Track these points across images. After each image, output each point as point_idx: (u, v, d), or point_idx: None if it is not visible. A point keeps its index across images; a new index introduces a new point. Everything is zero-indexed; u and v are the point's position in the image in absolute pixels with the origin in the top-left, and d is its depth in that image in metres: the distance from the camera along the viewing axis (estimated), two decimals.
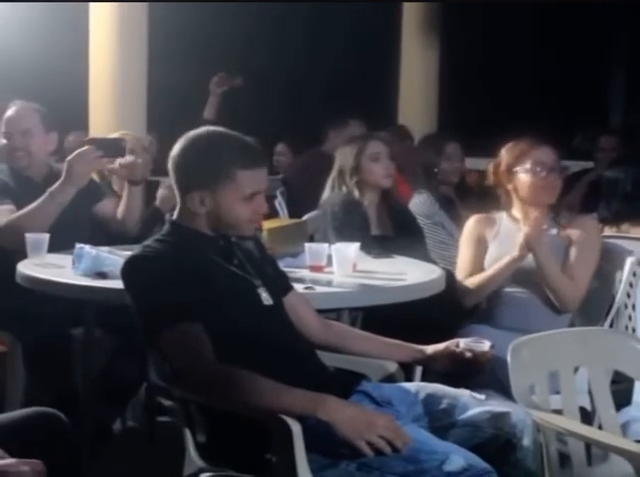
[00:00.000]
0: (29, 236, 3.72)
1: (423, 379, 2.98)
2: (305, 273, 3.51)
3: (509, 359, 2.75)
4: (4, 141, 4.20)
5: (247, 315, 2.64)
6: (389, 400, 2.67)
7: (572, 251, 3.76)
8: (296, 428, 2.38)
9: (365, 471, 2.40)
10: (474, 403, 2.64)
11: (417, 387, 2.77)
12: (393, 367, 2.92)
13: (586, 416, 3.03)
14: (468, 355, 2.81)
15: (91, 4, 6.43)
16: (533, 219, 3.69)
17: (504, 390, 2.88)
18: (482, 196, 4.33)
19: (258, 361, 2.52)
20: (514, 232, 3.80)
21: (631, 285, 3.80)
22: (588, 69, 11.47)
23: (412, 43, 9.50)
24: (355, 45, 10.77)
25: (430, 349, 2.88)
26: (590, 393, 2.93)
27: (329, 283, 3.42)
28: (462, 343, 2.84)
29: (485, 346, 2.81)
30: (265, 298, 2.72)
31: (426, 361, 2.89)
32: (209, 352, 2.50)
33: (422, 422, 2.64)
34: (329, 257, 3.58)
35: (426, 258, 4.23)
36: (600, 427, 2.83)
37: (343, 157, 4.55)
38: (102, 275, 3.34)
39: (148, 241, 2.71)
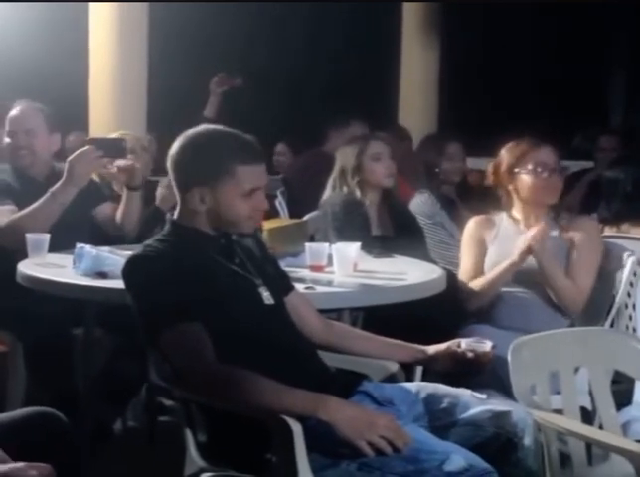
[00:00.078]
0: (29, 236, 3.72)
1: (424, 378, 2.98)
2: (306, 273, 3.51)
3: (509, 359, 2.75)
4: (8, 140, 4.21)
5: (248, 314, 2.64)
6: (390, 400, 2.67)
7: (575, 254, 3.76)
8: (297, 428, 2.38)
9: (365, 471, 2.40)
10: (475, 403, 2.64)
11: (418, 386, 2.77)
12: (394, 367, 2.91)
13: (587, 416, 3.03)
14: (470, 355, 2.81)
15: (91, 4, 6.44)
16: (539, 228, 3.67)
17: (505, 389, 2.88)
18: (483, 196, 4.32)
19: (259, 361, 2.52)
20: (513, 233, 3.80)
21: (632, 285, 3.80)
22: (588, 69, 11.47)
23: (413, 43, 9.49)
24: (355, 45, 10.77)
25: (432, 349, 2.88)
26: (591, 392, 2.93)
27: (330, 283, 3.42)
28: (463, 343, 2.84)
29: (486, 346, 2.81)
30: (267, 298, 2.72)
31: (428, 361, 2.89)
32: (209, 352, 2.50)
33: (423, 422, 2.64)
34: (330, 257, 3.58)
35: (427, 258, 4.23)
36: (601, 427, 2.83)
37: (344, 157, 4.56)
38: (103, 275, 3.34)
39: (149, 241, 2.71)
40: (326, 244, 3.67)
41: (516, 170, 3.82)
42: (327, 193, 4.59)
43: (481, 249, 3.89)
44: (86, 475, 2.81)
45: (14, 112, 4.22)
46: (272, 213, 5.37)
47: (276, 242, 3.59)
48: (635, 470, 2.42)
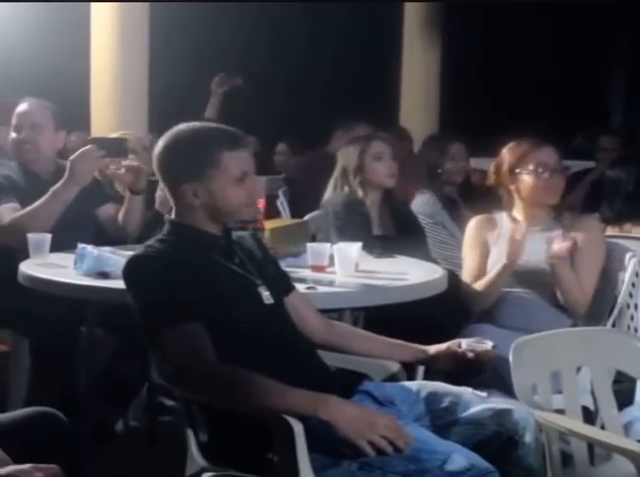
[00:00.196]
0: (31, 236, 3.72)
1: (426, 378, 2.98)
2: (307, 273, 3.51)
3: (511, 358, 2.75)
4: (14, 134, 4.21)
5: (248, 314, 2.64)
6: (391, 400, 2.67)
7: (578, 255, 3.75)
8: (298, 428, 2.38)
9: (367, 470, 2.40)
10: (476, 401, 2.64)
11: (419, 385, 2.77)
12: (395, 367, 2.91)
13: (589, 416, 3.03)
14: (470, 355, 2.80)
15: (93, 4, 6.44)
16: (518, 231, 3.66)
17: (507, 389, 2.88)
18: (485, 196, 4.32)
19: (259, 360, 2.52)
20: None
21: (634, 285, 3.80)
22: (588, 69, 11.48)
23: (414, 43, 9.50)
24: (355, 45, 10.78)
25: (433, 349, 2.88)
26: (593, 392, 2.93)
27: (331, 283, 3.41)
28: (464, 343, 2.84)
29: (487, 346, 2.81)
30: (266, 297, 2.71)
31: (429, 361, 2.89)
32: (210, 351, 2.50)
33: (424, 421, 2.64)
34: (331, 257, 3.57)
35: (428, 258, 4.23)
36: (603, 427, 2.83)
37: (346, 157, 4.55)
38: (104, 275, 3.33)
39: (150, 241, 2.71)
40: (327, 244, 3.67)
41: (517, 170, 3.81)
42: (328, 193, 4.59)
43: (483, 250, 3.89)
44: (88, 475, 2.80)
45: (21, 107, 4.24)
46: (274, 213, 5.38)
47: (278, 242, 3.59)
48: (637, 470, 2.43)
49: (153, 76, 6.56)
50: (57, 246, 3.74)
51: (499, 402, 2.62)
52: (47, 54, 8.43)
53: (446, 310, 3.70)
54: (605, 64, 12.12)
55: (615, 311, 3.77)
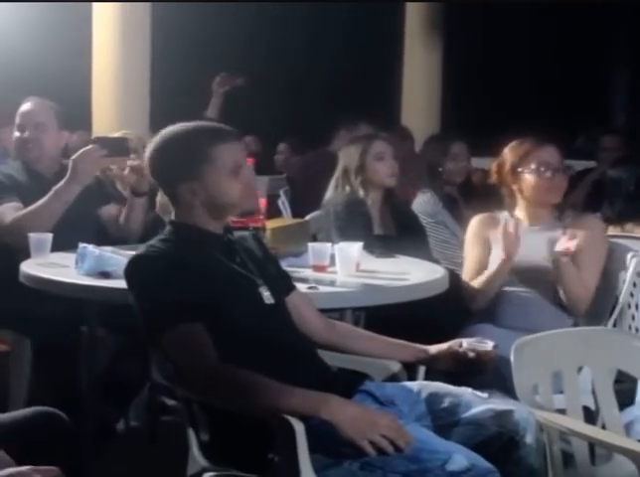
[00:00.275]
0: (32, 235, 3.72)
1: (427, 378, 2.98)
2: (308, 273, 3.51)
3: (512, 358, 2.75)
4: (17, 134, 4.22)
5: (249, 314, 2.64)
6: (391, 400, 2.67)
7: (580, 253, 3.74)
8: (299, 428, 2.38)
9: (368, 470, 2.40)
10: (477, 401, 2.64)
11: (420, 385, 2.77)
12: (396, 367, 2.91)
13: (590, 416, 3.03)
14: (471, 355, 2.81)
15: (94, 4, 6.45)
16: (510, 230, 3.66)
17: (507, 389, 2.87)
18: (486, 195, 4.33)
19: (260, 360, 2.52)
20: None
21: (635, 285, 3.80)
22: (588, 69, 11.47)
23: (415, 43, 9.50)
24: (355, 45, 10.77)
25: (434, 349, 2.88)
26: (594, 392, 2.93)
27: (332, 283, 3.41)
28: (465, 343, 2.84)
29: (488, 346, 2.81)
30: (267, 297, 2.72)
31: (430, 361, 2.90)
32: (211, 351, 2.50)
33: (425, 421, 2.65)
34: (332, 257, 3.58)
35: (429, 258, 4.23)
36: (604, 427, 2.83)
37: (347, 156, 4.56)
38: (106, 275, 3.34)
39: (152, 241, 2.72)
40: (328, 244, 3.67)
41: (519, 169, 3.81)
42: (330, 192, 4.59)
43: (484, 248, 3.89)
44: (89, 475, 2.82)
45: (25, 107, 4.25)
46: (275, 212, 5.39)
47: (279, 242, 3.59)
48: (638, 470, 2.42)
49: (154, 75, 6.56)
50: (58, 246, 3.74)
51: (500, 403, 2.62)
52: (48, 54, 8.42)
53: (447, 310, 3.70)
54: (605, 64, 12.11)
55: (616, 311, 3.77)
